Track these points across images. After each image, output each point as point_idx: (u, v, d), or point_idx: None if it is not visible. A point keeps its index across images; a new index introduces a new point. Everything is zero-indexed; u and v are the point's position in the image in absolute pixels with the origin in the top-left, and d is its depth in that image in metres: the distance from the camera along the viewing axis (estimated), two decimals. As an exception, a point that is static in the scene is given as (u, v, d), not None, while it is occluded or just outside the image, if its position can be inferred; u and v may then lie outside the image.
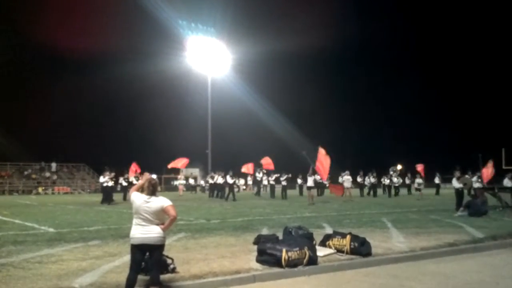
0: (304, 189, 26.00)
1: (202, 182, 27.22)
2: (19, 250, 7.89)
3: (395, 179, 29.46)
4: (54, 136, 58.34)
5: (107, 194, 22.42)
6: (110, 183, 22.65)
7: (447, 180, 33.35)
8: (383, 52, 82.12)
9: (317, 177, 23.87)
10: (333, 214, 14.99)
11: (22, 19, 54.57)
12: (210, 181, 29.40)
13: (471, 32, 71.61)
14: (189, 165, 43.18)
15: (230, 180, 26.12)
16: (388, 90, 68.69)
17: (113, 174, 23.50)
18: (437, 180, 32.86)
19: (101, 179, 23.16)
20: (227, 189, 26.02)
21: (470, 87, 65.55)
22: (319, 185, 27.88)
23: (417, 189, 26.20)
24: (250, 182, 38.57)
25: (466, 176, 17.13)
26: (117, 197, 24.24)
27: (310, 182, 21.00)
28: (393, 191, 29.12)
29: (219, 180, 27.24)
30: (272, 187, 28.66)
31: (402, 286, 5.93)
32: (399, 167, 28.31)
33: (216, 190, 27.85)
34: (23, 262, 6.77)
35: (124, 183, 24.91)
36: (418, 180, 27.54)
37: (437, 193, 30.53)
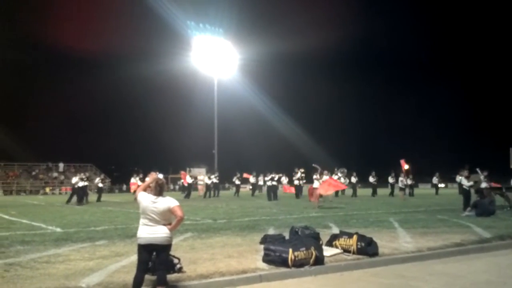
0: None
1: (213, 180, 28.90)
2: (27, 250, 7.94)
3: (342, 180, 29.24)
4: (62, 136, 58.89)
5: (78, 195, 22.64)
6: (81, 183, 22.83)
7: (452, 179, 33.13)
8: (390, 53, 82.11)
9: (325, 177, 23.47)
10: (340, 214, 14.95)
11: (30, 20, 55.04)
12: (207, 181, 30.59)
13: (471, 32, 71.26)
14: (195, 165, 43.31)
15: (237, 181, 31.25)
16: (394, 91, 68.52)
17: (87, 174, 23.84)
18: (435, 181, 32.67)
19: (73, 179, 23.54)
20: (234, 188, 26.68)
21: (475, 86, 65.33)
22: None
23: (401, 189, 25.83)
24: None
25: (475, 174, 16.90)
26: (130, 197, 24.14)
27: (316, 183, 20.03)
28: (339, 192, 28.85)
29: (214, 180, 29.81)
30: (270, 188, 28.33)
31: (409, 286, 5.91)
32: (406, 166, 27.87)
33: (212, 189, 29.86)
34: (31, 262, 6.80)
35: (139, 183, 24.99)
36: (401, 179, 27.08)
37: (436, 193, 30.32)
